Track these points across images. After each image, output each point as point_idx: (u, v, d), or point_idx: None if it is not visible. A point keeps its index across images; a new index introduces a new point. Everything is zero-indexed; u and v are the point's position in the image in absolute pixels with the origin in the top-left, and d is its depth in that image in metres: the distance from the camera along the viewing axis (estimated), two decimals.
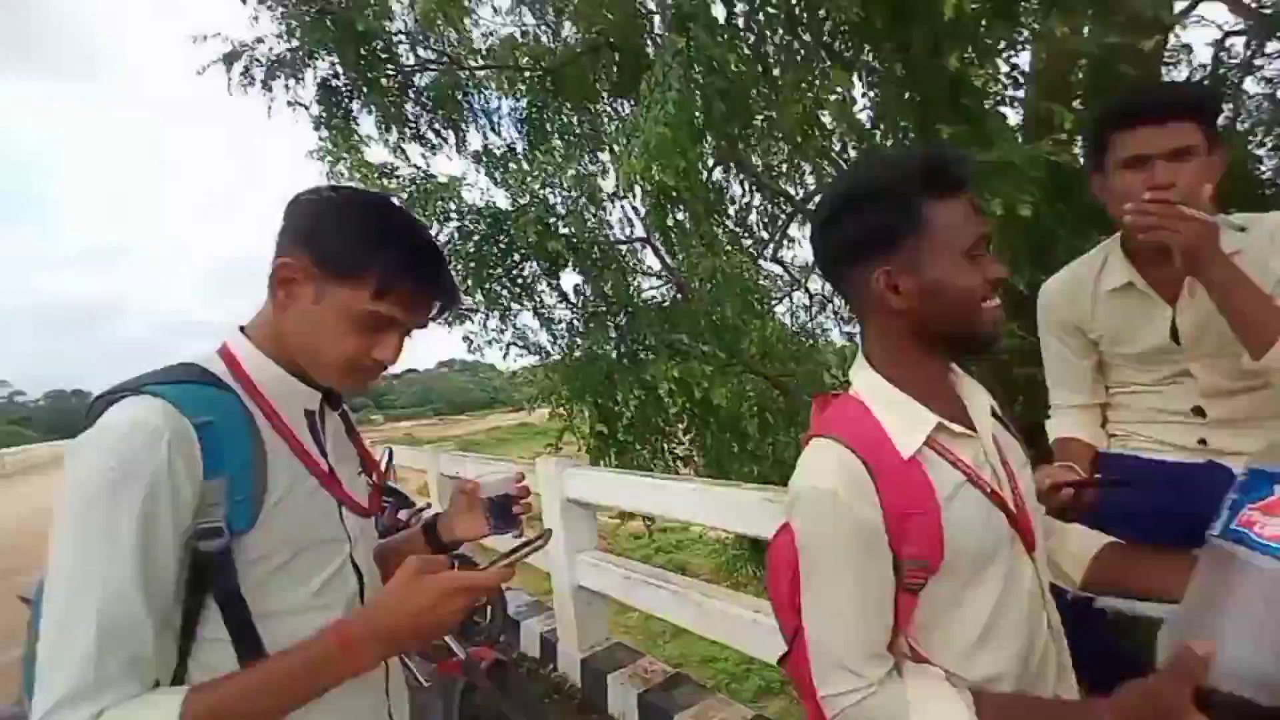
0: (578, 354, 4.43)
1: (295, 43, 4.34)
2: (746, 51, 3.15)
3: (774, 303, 6.35)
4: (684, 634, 4.65)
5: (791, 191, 5.77)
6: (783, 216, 6.34)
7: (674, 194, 3.50)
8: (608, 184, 5.30)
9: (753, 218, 6.21)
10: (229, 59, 4.39)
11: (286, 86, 4.52)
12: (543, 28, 5.42)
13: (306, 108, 4.66)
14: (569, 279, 4.72)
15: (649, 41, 4.34)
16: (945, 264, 0.77)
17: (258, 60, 4.43)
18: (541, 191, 4.10)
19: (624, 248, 5.30)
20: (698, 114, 2.95)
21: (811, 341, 6.41)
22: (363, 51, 4.39)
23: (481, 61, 5.24)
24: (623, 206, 6.07)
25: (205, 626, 0.73)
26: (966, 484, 0.78)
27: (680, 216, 5.51)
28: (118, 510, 0.66)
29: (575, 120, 5.36)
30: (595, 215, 5.06)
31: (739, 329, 4.24)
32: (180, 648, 0.72)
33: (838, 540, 0.76)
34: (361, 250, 0.78)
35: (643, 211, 5.98)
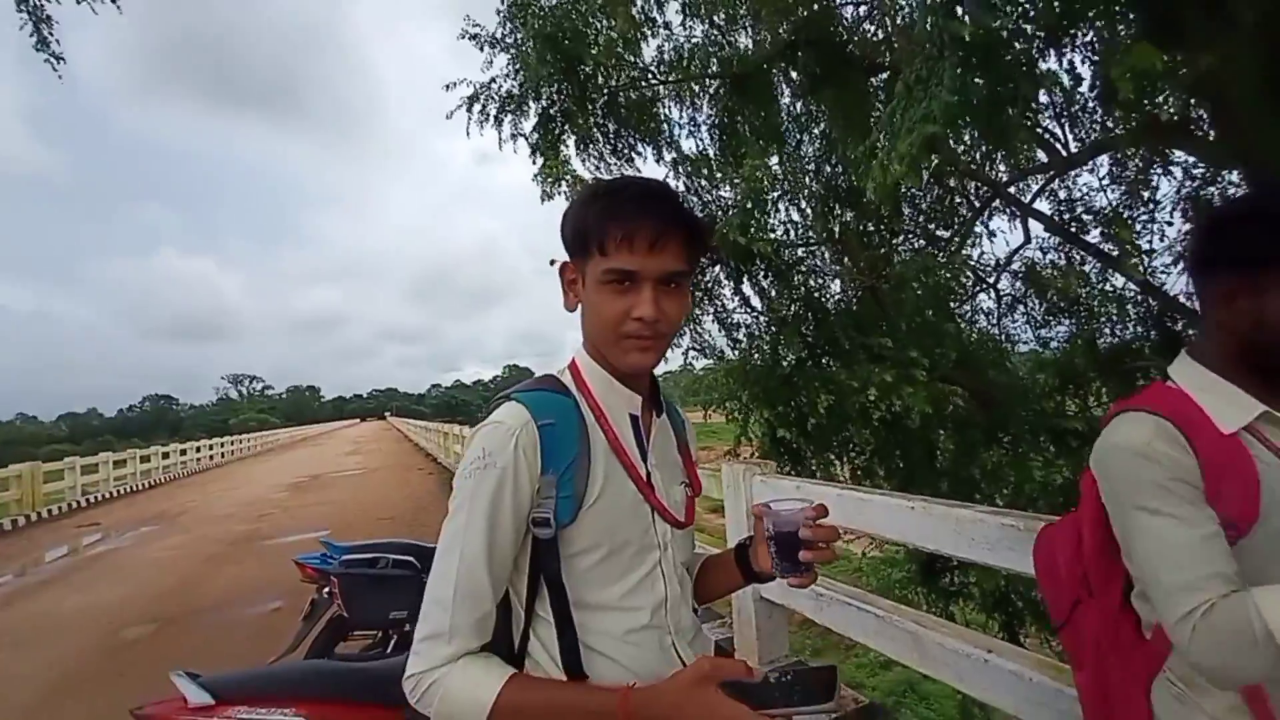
0: (756, 358, 4.32)
1: (522, 79, 4.82)
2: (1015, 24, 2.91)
3: (955, 305, 5.75)
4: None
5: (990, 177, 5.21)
6: (964, 211, 5.73)
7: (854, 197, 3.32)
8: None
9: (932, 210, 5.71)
10: (471, 100, 5.05)
11: (515, 121, 5.05)
12: (730, 32, 5.45)
13: (527, 137, 5.13)
14: (747, 284, 4.65)
15: (848, 35, 4.19)
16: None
17: (492, 98, 5.01)
18: (740, 196, 4.06)
19: (803, 250, 5.11)
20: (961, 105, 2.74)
21: (1005, 346, 5.71)
22: (581, 79, 4.73)
23: (672, 74, 5.39)
24: (787, 209, 5.93)
25: (540, 604, 0.84)
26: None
27: (847, 217, 5.23)
28: (478, 492, 0.80)
29: (760, 124, 5.31)
30: (760, 218, 4.96)
31: (938, 333, 3.85)
32: (526, 617, 0.85)
33: (1157, 483, 0.82)
34: (581, 221, 0.84)
35: (810, 215, 5.78)
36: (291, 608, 4.47)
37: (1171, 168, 4.72)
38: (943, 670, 1.92)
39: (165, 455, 18.83)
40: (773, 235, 4.09)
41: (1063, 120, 5.26)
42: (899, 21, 4.57)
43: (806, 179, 5.72)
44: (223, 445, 25.64)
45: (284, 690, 1.65)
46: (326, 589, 2.84)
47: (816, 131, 5.73)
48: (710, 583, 1.04)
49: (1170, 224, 4.74)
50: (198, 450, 22.11)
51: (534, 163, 4.84)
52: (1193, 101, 3.33)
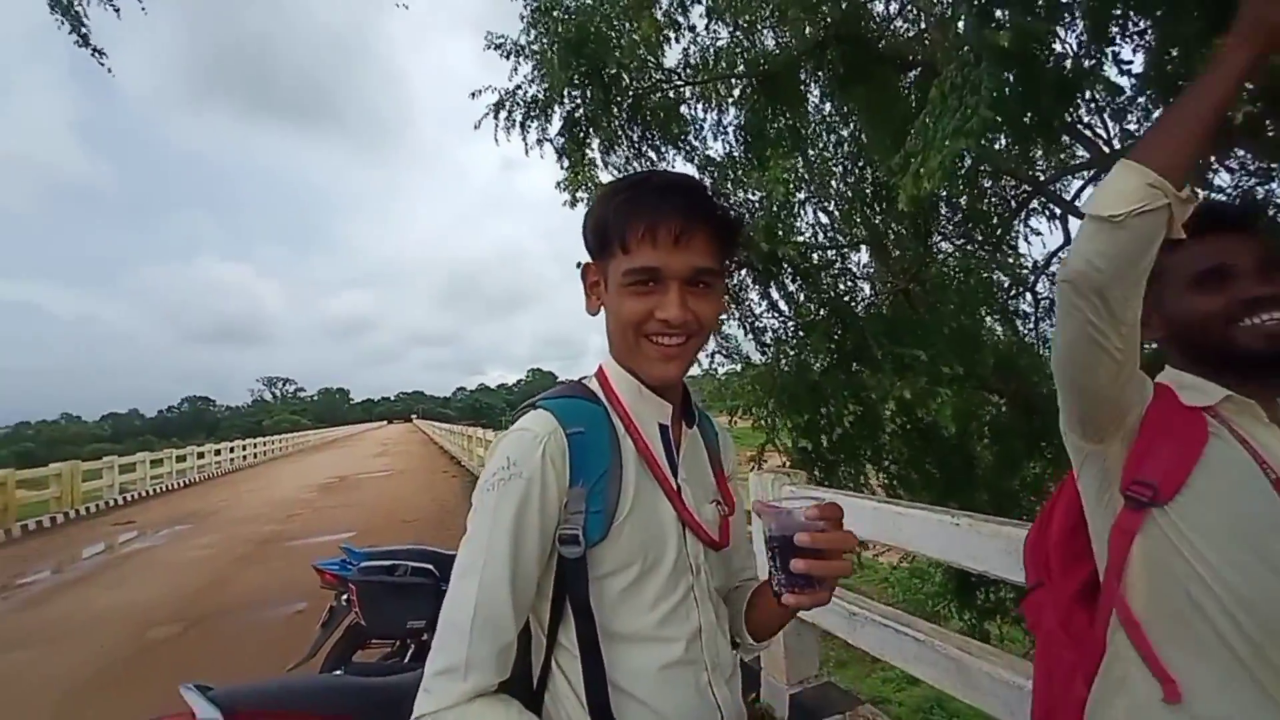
0: (784, 364, 4.19)
1: (547, 85, 4.78)
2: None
3: (993, 308, 5.53)
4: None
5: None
6: (1001, 210, 5.50)
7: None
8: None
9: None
10: (496, 107, 5.03)
11: (541, 127, 5.01)
12: (757, 33, 5.35)
13: (552, 142, 5.07)
14: (774, 288, 4.53)
15: (879, 32, 4.08)
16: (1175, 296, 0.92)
17: (517, 104, 4.98)
18: (766, 198, 3.96)
19: (833, 252, 4.98)
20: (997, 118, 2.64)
21: (1043, 352, 5.48)
22: (604, 82, 4.69)
23: (697, 76, 5.31)
24: (814, 211, 5.79)
25: (564, 632, 0.76)
26: (1244, 452, 0.82)
27: (877, 220, 5.08)
28: (502, 505, 0.73)
29: (786, 125, 5.20)
30: (787, 221, 4.84)
31: (975, 338, 3.69)
32: (548, 646, 0.76)
33: None
34: (602, 218, 0.79)
35: (838, 216, 5.64)
36: (315, 610, 4.47)
37: (1228, 163, 4.47)
38: (990, 701, 1.78)
39: (200, 455, 19.33)
40: (800, 238, 3.98)
41: (1105, 115, 5.05)
42: (933, 16, 4.42)
43: (834, 181, 5.59)
44: (256, 446, 26.26)
45: (294, 705, 1.59)
46: (345, 596, 2.80)
47: (845, 132, 5.60)
48: (762, 616, 0.91)
49: None
50: (231, 451, 22.65)
51: (560, 167, 4.81)
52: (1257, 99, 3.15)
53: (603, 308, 0.83)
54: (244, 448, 24.36)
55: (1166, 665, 0.81)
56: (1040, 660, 1.03)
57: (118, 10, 4.58)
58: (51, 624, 5.28)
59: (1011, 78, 2.83)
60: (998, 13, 2.82)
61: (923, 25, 4.83)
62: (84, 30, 4.42)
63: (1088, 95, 4.48)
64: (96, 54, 4.53)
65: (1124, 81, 3.51)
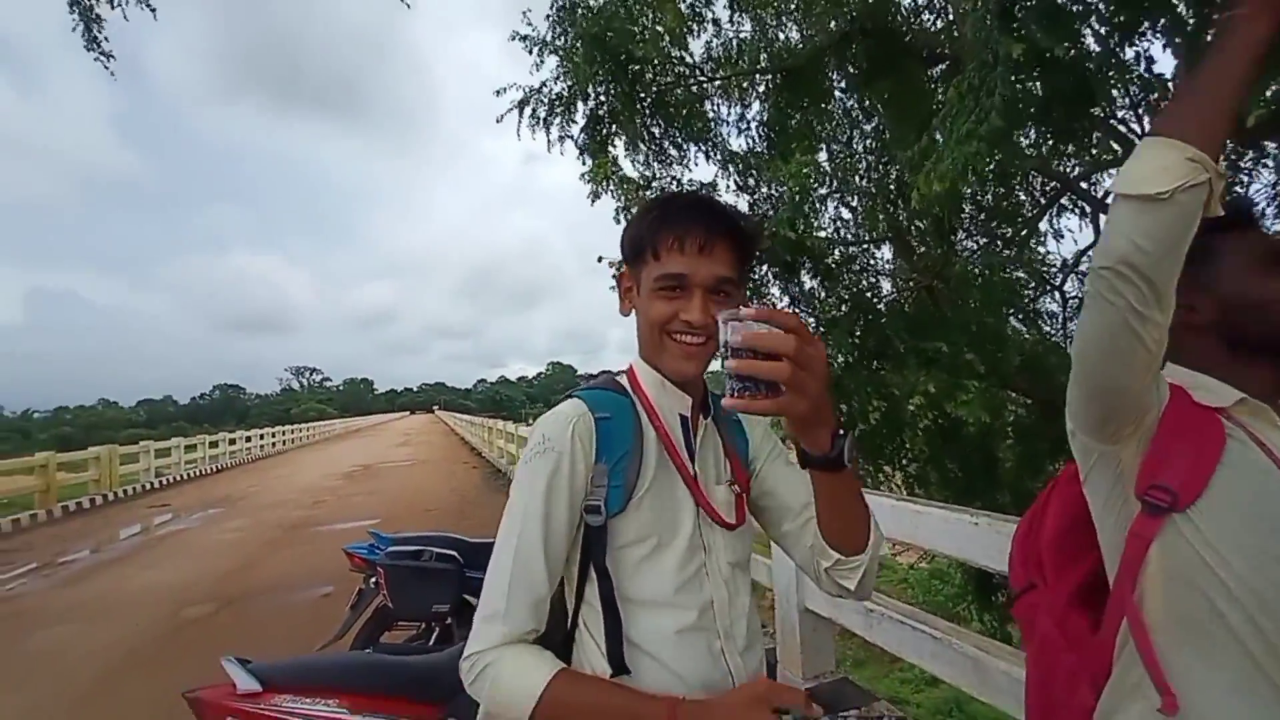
0: None
1: (570, 80, 4.80)
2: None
3: (1018, 308, 5.42)
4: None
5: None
6: (1028, 207, 5.40)
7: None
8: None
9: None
10: (521, 104, 5.05)
11: (564, 123, 5.01)
12: (781, 27, 5.32)
13: (575, 139, 5.09)
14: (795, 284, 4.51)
15: (908, 28, 4.03)
16: (1238, 277, 0.90)
17: (541, 101, 5.00)
18: (791, 193, 3.94)
19: (855, 248, 4.94)
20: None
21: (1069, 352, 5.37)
22: (629, 77, 4.71)
23: (720, 71, 5.29)
24: (836, 206, 5.74)
25: (589, 592, 0.86)
26: (1263, 455, 0.81)
27: (901, 216, 5.03)
28: (536, 475, 0.84)
29: (809, 120, 5.16)
30: (808, 215, 4.80)
31: (999, 337, 3.64)
32: (575, 603, 0.87)
33: None
34: (637, 230, 0.91)
35: (860, 212, 5.59)
36: (341, 593, 4.61)
37: (1266, 160, 4.34)
38: (1007, 700, 1.79)
39: (232, 441, 19.83)
40: (822, 234, 3.97)
41: (1139, 110, 4.91)
42: (961, 8, 4.35)
43: (857, 176, 5.55)
44: (284, 433, 26.89)
45: (328, 681, 1.66)
46: (373, 579, 2.89)
47: (869, 127, 5.54)
48: (821, 522, 0.87)
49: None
50: (261, 438, 23.21)
51: (582, 164, 4.82)
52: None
53: (634, 310, 0.94)
54: (272, 435, 24.95)
55: (1171, 673, 0.80)
56: (1034, 664, 1.01)
57: (154, 10, 4.66)
58: (91, 601, 5.50)
59: (1037, 72, 2.79)
60: (1018, 12, 2.77)
61: (950, 17, 4.75)
62: (95, 34, 4.47)
63: (1118, 92, 4.37)
64: (103, 59, 4.57)
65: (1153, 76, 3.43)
